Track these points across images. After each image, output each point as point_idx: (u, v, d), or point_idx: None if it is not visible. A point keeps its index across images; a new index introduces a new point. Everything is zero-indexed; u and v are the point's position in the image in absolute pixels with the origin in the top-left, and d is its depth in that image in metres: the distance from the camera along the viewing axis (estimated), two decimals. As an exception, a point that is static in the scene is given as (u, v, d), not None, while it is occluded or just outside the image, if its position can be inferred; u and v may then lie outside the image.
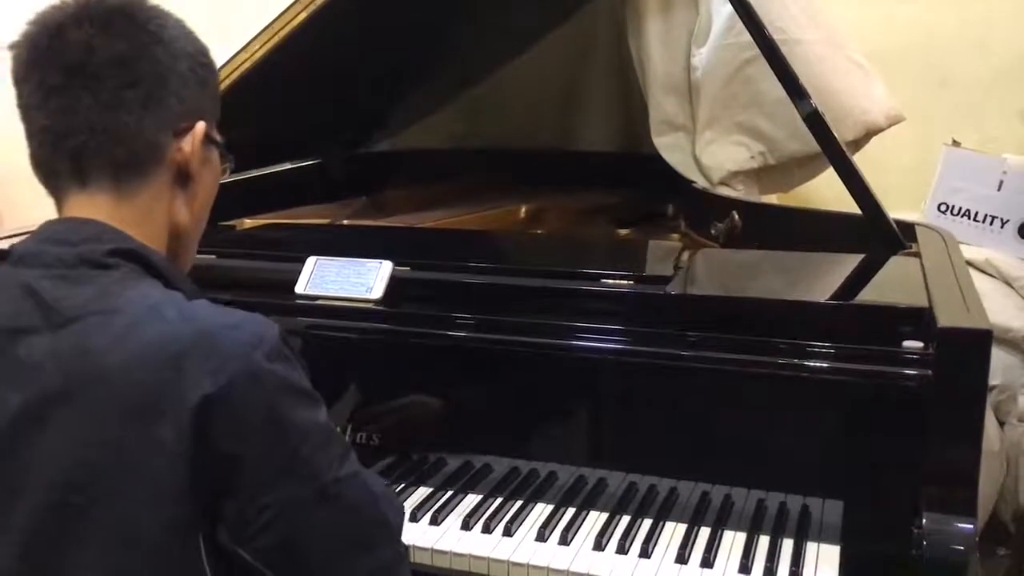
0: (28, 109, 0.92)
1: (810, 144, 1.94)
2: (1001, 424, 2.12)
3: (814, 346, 1.18)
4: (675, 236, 1.96)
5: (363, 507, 0.92)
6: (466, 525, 1.26)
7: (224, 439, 0.83)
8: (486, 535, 1.24)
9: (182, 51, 0.95)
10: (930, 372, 1.11)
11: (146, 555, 0.84)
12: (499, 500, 1.31)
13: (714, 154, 1.99)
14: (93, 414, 0.83)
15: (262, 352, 0.85)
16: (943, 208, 2.41)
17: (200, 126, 0.97)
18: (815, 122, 1.49)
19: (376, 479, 0.99)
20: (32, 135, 0.93)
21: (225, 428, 0.83)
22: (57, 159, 0.92)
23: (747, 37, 1.60)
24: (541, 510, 1.29)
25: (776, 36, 1.53)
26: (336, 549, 0.90)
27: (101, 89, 0.90)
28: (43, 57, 0.91)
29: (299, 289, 1.41)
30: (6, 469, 0.86)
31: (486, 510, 1.29)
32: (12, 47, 0.93)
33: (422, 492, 1.34)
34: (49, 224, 0.94)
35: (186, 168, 0.96)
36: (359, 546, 0.91)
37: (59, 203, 0.95)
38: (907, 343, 1.15)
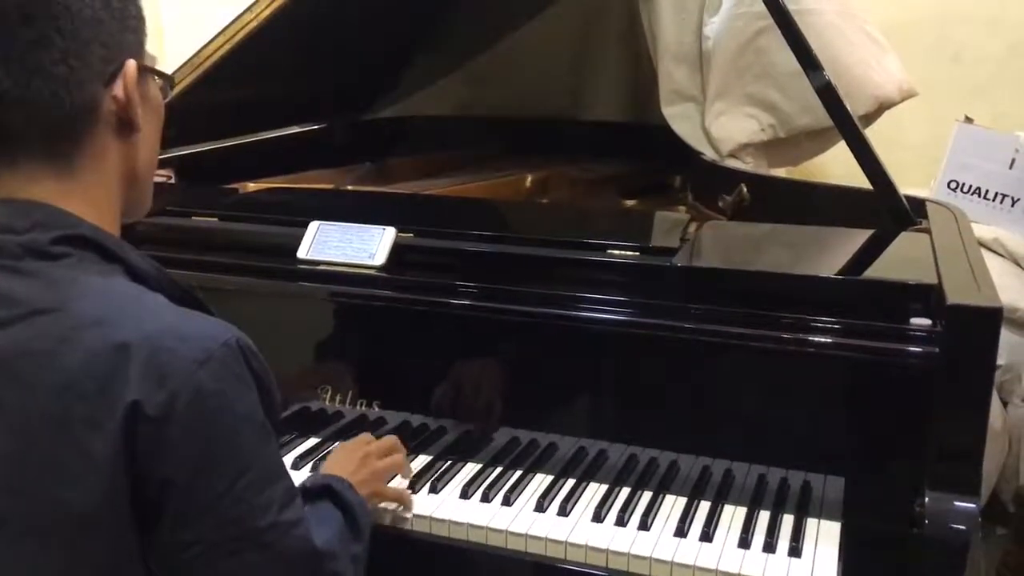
0: None
1: (821, 118, 1.92)
2: (1005, 404, 2.11)
3: (820, 321, 1.17)
4: (682, 208, 1.94)
5: (298, 560, 0.86)
6: (465, 494, 1.25)
7: (152, 458, 0.77)
8: (485, 504, 1.24)
9: None
10: (937, 350, 1.10)
11: (87, 572, 0.80)
12: (498, 470, 1.30)
13: (724, 125, 1.96)
14: (28, 420, 0.78)
15: (210, 371, 0.79)
16: (953, 185, 2.39)
17: (130, 65, 0.87)
18: (828, 95, 1.47)
19: (325, 530, 0.93)
20: None
21: (153, 446, 0.77)
22: None
23: (760, 6, 1.57)
24: (540, 480, 1.29)
25: (790, 6, 1.50)
26: None
27: (13, 56, 0.81)
28: None
29: (301, 254, 1.40)
30: None
31: (485, 479, 1.28)
32: None
33: (422, 460, 1.34)
34: None
35: (126, 116, 0.87)
36: None
37: None
38: (915, 320, 1.14)
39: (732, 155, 1.98)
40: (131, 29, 0.89)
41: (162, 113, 0.95)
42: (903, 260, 1.33)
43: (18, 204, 0.85)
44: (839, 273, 1.27)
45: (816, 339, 1.16)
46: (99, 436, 0.77)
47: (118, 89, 0.86)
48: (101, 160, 0.88)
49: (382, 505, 1.22)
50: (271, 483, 0.84)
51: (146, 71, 0.91)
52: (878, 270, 1.28)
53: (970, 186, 2.37)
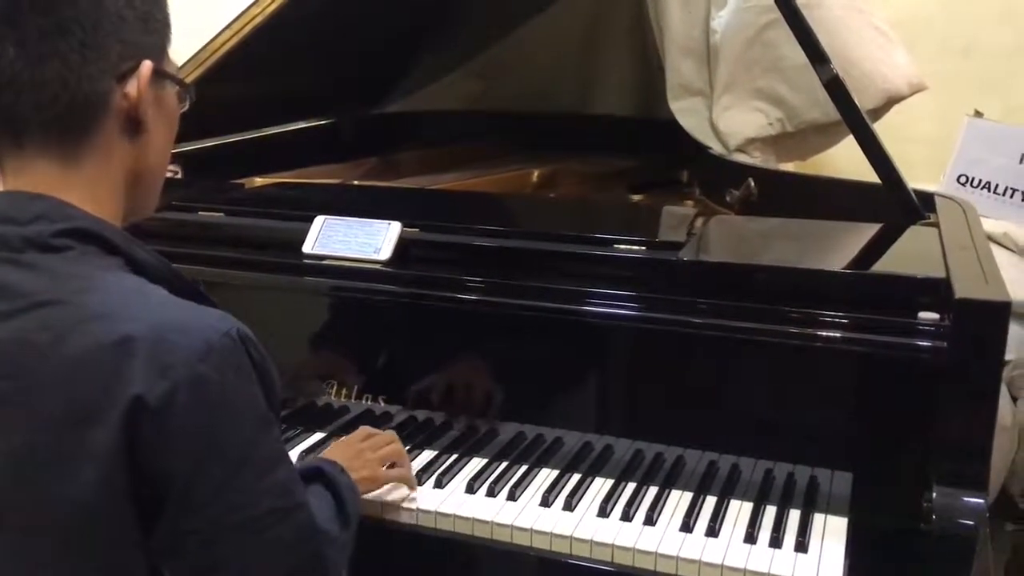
0: None
1: (829, 112, 1.92)
2: (1014, 400, 2.10)
3: (828, 315, 1.16)
4: (689, 202, 1.94)
5: (299, 544, 0.86)
6: (471, 488, 1.25)
7: (154, 451, 0.77)
8: (490, 499, 1.23)
9: None
10: (945, 344, 1.09)
11: (88, 567, 0.81)
12: (504, 464, 1.30)
13: (731, 120, 1.96)
14: (29, 415, 0.78)
15: (211, 362, 0.79)
16: (963, 180, 2.38)
17: (146, 66, 0.86)
18: (836, 88, 1.46)
19: (321, 513, 0.94)
20: None
21: (156, 438, 0.77)
22: None
23: (768, 0, 1.56)
24: (546, 475, 1.28)
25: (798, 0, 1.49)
26: None
27: (27, 40, 0.81)
28: None
29: (307, 248, 1.40)
30: None
31: (491, 474, 1.28)
32: None
33: (427, 455, 1.33)
34: None
35: (135, 115, 0.87)
36: None
37: (1, 172, 0.87)
38: (923, 314, 1.13)
39: (739, 149, 1.97)
40: (153, 31, 0.89)
41: (176, 120, 0.95)
42: (911, 254, 1.32)
43: (21, 196, 0.85)
44: (847, 267, 1.26)
45: (824, 333, 1.16)
46: (100, 429, 0.77)
47: (131, 87, 0.86)
48: (107, 155, 0.87)
49: (388, 499, 1.22)
50: (272, 471, 0.84)
51: (164, 76, 0.91)
52: (886, 264, 1.28)
53: (980, 180, 2.35)
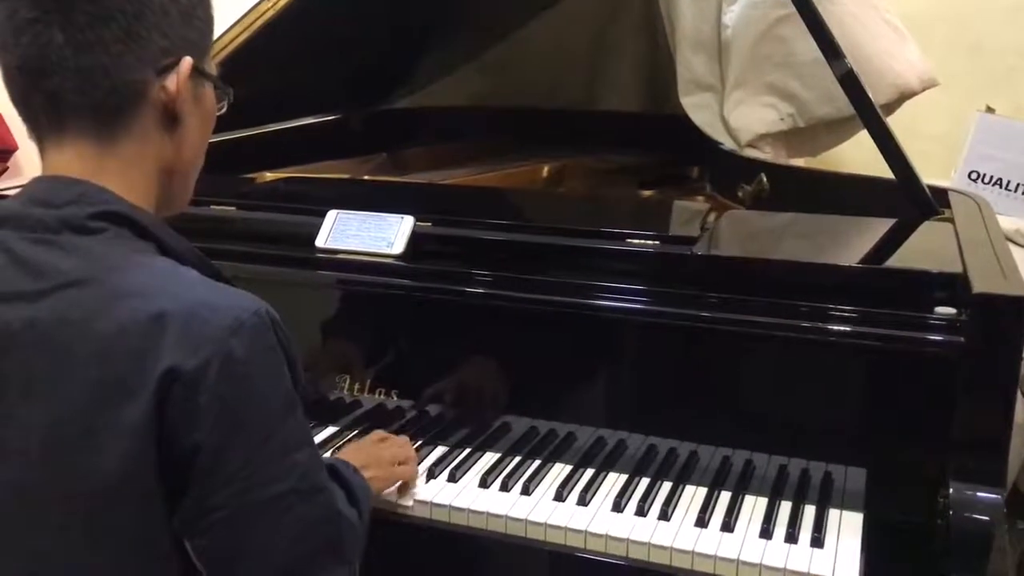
0: (2, 47, 0.86)
1: (841, 108, 1.91)
2: (1025, 397, 2.09)
3: (844, 310, 1.15)
4: (700, 198, 1.93)
5: (320, 525, 0.87)
6: (484, 483, 1.25)
7: (183, 424, 0.79)
8: (504, 493, 1.23)
9: None
10: (962, 339, 1.09)
11: (113, 542, 0.82)
12: (517, 459, 1.30)
13: (743, 115, 1.95)
14: (64, 390, 0.80)
15: (241, 339, 0.80)
16: (974, 176, 2.37)
17: (186, 62, 0.89)
18: (850, 83, 1.45)
19: (343, 496, 0.96)
20: (6, 75, 0.88)
21: (185, 411, 0.79)
22: (33, 103, 0.87)
23: (780, -6, 1.56)
24: (560, 470, 1.28)
25: (810, -6, 1.48)
26: (280, 565, 0.84)
27: (74, 26, 0.83)
28: None
29: (319, 243, 1.40)
30: None
31: (504, 468, 1.28)
32: None
33: (440, 450, 1.33)
34: (33, 183, 0.89)
35: (172, 108, 0.90)
36: (307, 565, 0.86)
37: (42, 153, 0.90)
38: (939, 309, 1.12)
39: (750, 145, 1.96)
40: (195, 29, 0.91)
41: (212, 120, 0.97)
42: (927, 249, 1.31)
43: (58, 181, 0.87)
44: (862, 261, 1.26)
45: (840, 328, 1.15)
46: (132, 403, 0.79)
47: (170, 82, 0.89)
48: (142, 145, 0.90)
49: (401, 494, 1.23)
50: (297, 450, 0.85)
51: (203, 75, 0.93)
52: (902, 259, 1.27)
53: (991, 177, 2.35)
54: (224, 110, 0.99)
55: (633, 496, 1.21)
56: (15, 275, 0.84)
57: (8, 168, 3.54)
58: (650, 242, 1.31)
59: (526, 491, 1.23)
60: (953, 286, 1.14)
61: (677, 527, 1.16)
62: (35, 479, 0.82)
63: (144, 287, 0.82)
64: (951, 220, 1.38)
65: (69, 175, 0.87)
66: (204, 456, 0.80)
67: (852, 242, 1.39)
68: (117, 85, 0.86)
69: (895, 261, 1.26)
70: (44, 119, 0.88)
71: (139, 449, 0.79)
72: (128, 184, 0.89)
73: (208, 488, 0.81)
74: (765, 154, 1.96)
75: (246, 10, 1.76)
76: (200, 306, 0.81)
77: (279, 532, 0.84)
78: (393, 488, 1.23)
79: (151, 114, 0.89)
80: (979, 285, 1.08)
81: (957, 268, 1.16)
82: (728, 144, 1.95)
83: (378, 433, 1.29)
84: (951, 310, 1.12)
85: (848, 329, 1.15)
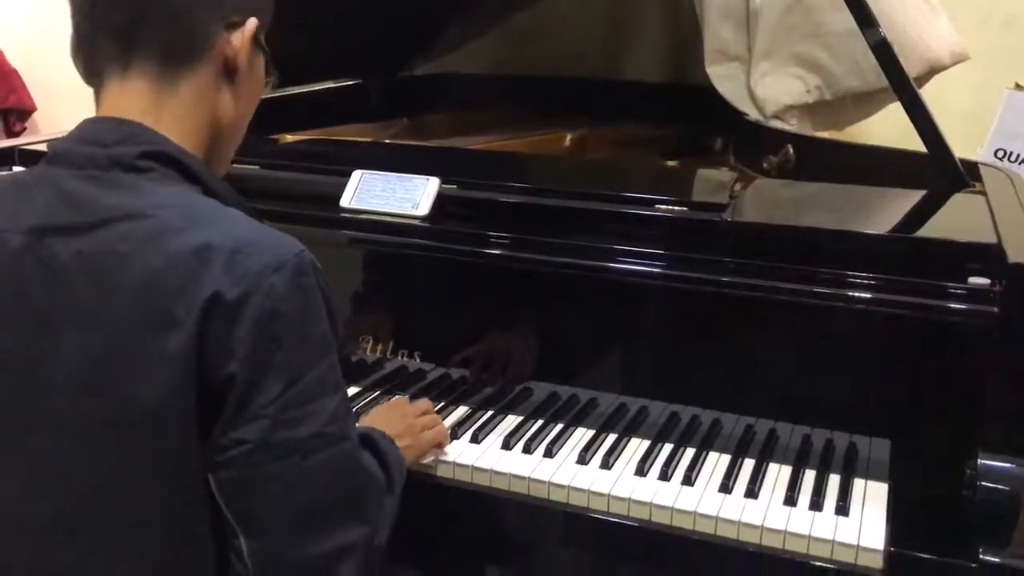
0: None
1: (869, 80, 1.89)
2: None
3: (876, 279, 1.14)
4: (724, 168, 1.91)
5: (340, 479, 0.86)
6: (507, 445, 1.24)
7: (221, 352, 0.80)
8: (527, 455, 1.23)
9: None
10: (996, 309, 1.08)
11: (151, 475, 0.83)
12: (539, 422, 1.29)
13: (770, 86, 1.92)
14: (109, 318, 0.81)
15: (283, 276, 0.81)
16: (1000, 154, 2.34)
17: (252, 22, 0.93)
18: (883, 52, 1.43)
19: (374, 461, 0.95)
20: (78, 8, 0.89)
21: (224, 340, 0.79)
22: (101, 36, 0.89)
23: (812, -38, 1.53)
24: (582, 434, 1.28)
25: (842, -37, 1.45)
26: (298, 509, 0.84)
27: None
28: None
29: (344, 203, 1.39)
30: (30, 369, 0.84)
31: (527, 431, 1.27)
32: None
33: (462, 410, 1.33)
34: (86, 123, 0.91)
35: (234, 62, 0.93)
36: (326, 515, 0.85)
37: (97, 93, 0.92)
38: (973, 279, 1.11)
39: (776, 116, 1.94)
40: None
41: (260, 90, 1.00)
42: (959, 219, 1.30)
43: (109, 121, 0.89)
44: (894, 231, 1.24)
45: (870, 295, 1.14)
46: (175, 332, 0.80)
47: (235, 37, 0.92)
48: (200, 92, 0.92)
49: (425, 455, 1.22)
50: (327, 394, 0.85)
51: (259, 46, 0.96)
52: (934, 229, 1.25)
53: (1018, 155, 2.32)
54: (270, 87, 1.01)
55: (656, 461, 1.21)
56: (64, 210, 0.85)
57: (26, 128, 3.55)
58: (679, 208, 1.30)
59: (549, 454, 1.23)
60: (986, 257, 1.12)
61: (701, 492, 1.15)
62: (79, 408, 0.83)
63: (191, 222, 0.83)
64: (983, 193, 1.37)
65: (125, 116, 0.89)
66: (236, 388, 0.81)
67: (884, 212, 1.38)
68: (189, 26, 0.89)
69: (927, 231, 1.24)
70: (110, 54, 0.89)
71: (180, 378, 0.80)
72: (181, 130, 0.91)
73: (236, 421, 0.81)
74: (791, 126, 1.93)
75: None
76: (245, 242, 0.83)
77: (297, 479, 0.83)
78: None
79: (213, 65, 0.92)
80: (1015, 255, 1.07)
81: (991, 238, 1.14)
82: (754, 115, 1.93)
83: (400, 398, 1.29)
84: (985, 280, 1.11)
85: (880, 296, 1.13)
